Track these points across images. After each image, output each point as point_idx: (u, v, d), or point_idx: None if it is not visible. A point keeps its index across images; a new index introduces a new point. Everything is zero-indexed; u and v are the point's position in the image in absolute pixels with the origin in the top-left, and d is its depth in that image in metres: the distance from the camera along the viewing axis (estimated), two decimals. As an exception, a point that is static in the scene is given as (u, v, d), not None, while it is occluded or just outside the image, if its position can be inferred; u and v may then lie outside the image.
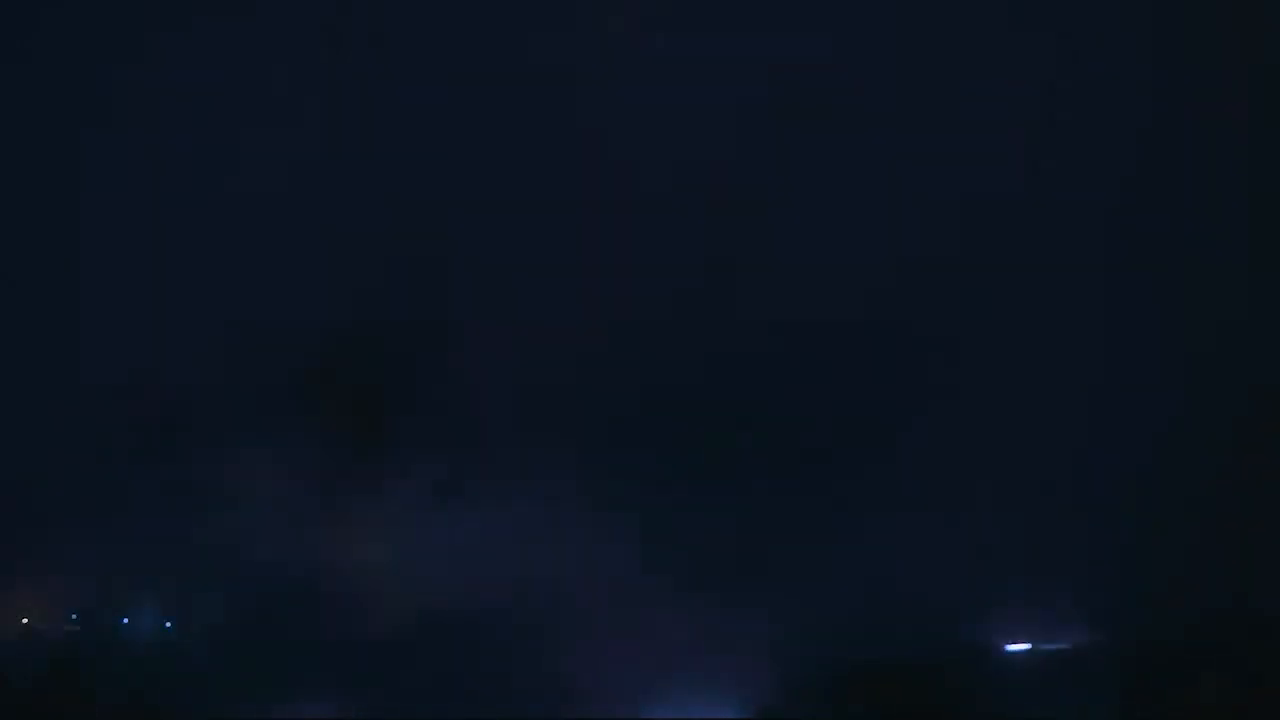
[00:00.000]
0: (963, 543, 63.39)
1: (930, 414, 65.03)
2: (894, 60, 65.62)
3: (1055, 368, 65.03)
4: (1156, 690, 59.62)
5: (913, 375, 66.06)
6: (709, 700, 60.17)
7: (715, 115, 66.20)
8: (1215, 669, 59.28)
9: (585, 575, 67.02)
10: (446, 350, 68.09)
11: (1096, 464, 63.39)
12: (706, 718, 59.49)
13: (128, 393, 69.75)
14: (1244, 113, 62.87)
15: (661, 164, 65.96)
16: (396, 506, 68.74)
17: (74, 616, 68.51)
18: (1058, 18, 64.36)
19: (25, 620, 68.58)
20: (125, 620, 68.90)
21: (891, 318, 66.04)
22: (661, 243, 66.08)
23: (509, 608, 68.65)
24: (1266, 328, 62.76)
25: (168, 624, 69.02)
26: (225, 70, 67.45)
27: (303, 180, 67.19)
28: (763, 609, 63.07)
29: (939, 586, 63.03)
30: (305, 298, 68.29)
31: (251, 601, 67.11)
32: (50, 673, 64.79)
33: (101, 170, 68.37)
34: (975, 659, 62.52)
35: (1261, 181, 63.02)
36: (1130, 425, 63.15)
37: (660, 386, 67.01)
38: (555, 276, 67.05)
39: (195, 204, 68.69)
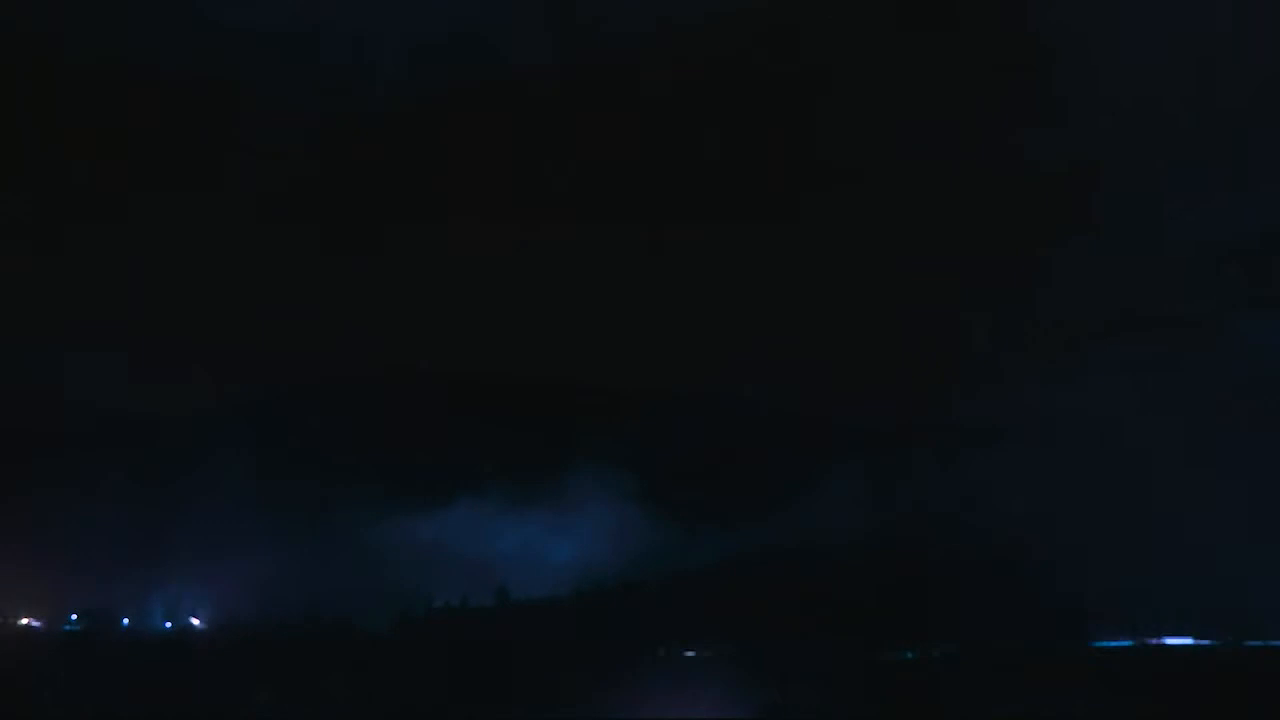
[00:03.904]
0: None
1: None
2: None
3: None
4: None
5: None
6: (710, 700, 59.97)
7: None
8: None
9: None
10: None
11: None
12: (707, 718, 59.27)
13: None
14: None
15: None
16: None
17: (74, 616, 68.51)
18: None
19: (26, 620, 68.66)
20: (125, 621, 69.00)
21: None
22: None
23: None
24: None
25: (167, 624, 69.07)
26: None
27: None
28: None
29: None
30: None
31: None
32: (50, 672, 64.58)
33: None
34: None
35: None
36: None
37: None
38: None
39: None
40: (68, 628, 68.34)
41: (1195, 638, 63.44)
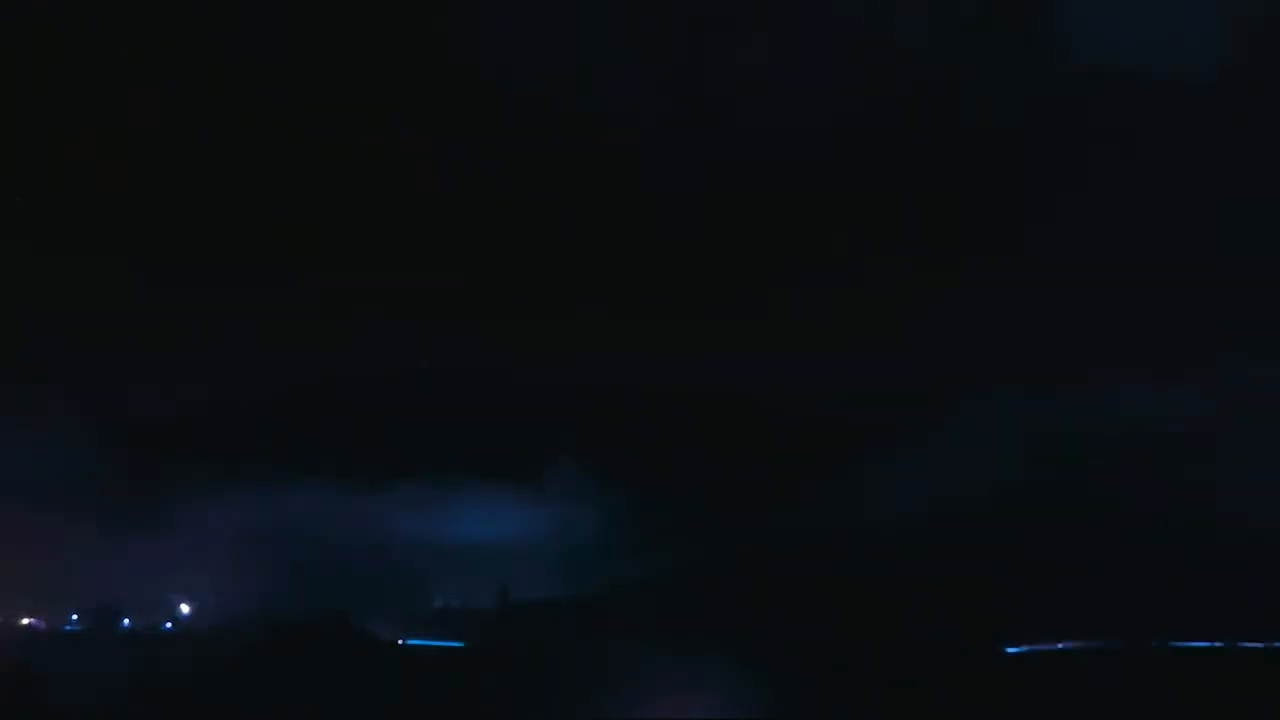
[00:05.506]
0: None
1: None
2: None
3: None
4: None
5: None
6: (709, 700, 60.08)
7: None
8: None
9: None
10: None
11: None
12: (707, 718, 59.41)
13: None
14: None
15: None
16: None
17: (74, 616, 68.65)
18: None
19: (26, 620, 68.79)
20: (125, 621, 69.13)
21: None
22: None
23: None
24: None
25: (167, 624, 69.22)
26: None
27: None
28: None
29: None
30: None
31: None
32: (50, 672, 64.64)
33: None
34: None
35: None
36: None
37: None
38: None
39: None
40: (68, 628, 68.51)
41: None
